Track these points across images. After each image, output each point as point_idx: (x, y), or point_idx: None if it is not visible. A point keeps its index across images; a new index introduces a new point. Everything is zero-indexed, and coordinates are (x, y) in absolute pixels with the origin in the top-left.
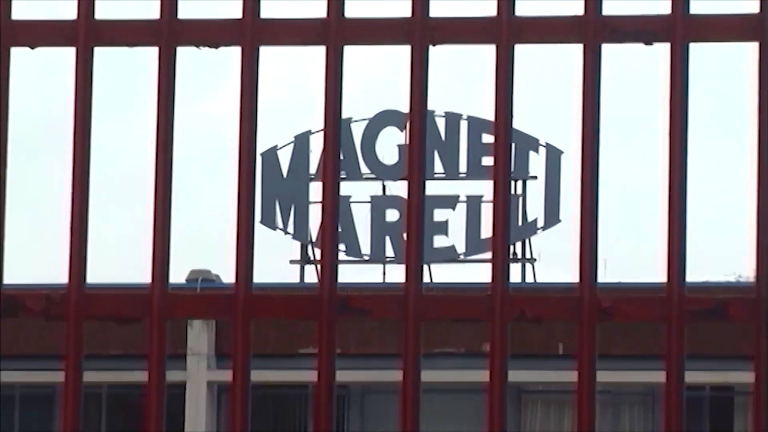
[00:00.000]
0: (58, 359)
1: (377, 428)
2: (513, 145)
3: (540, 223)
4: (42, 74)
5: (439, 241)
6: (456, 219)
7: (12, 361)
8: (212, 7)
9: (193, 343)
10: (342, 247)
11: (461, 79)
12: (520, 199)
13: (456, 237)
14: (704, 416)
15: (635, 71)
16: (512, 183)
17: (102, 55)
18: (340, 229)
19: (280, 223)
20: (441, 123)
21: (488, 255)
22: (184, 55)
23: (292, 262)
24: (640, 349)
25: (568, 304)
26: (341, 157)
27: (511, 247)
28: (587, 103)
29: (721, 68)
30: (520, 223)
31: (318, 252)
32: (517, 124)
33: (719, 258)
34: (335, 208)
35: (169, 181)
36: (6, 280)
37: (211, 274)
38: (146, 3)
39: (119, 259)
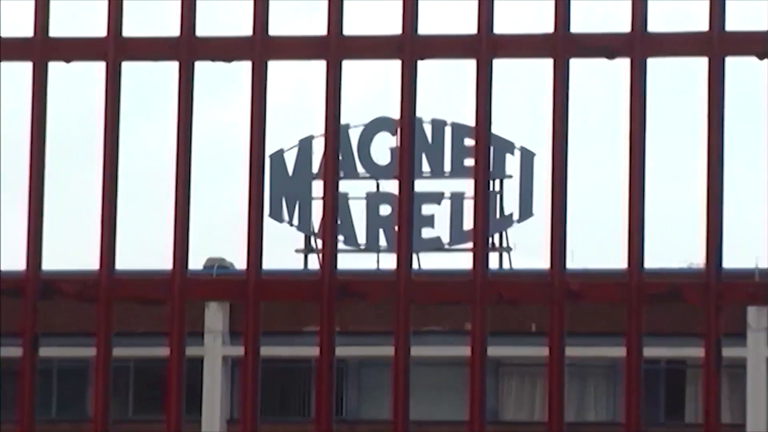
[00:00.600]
0: (90, 337)
1: (372, 397)
2: (491, 147)
3: (515, 217)
4: (76, 85)
5: (426, 233)
6: (441, 213)
7: (50, 338)
8: (226, 25)
9: (210, 322)
10: (341, 237)
11: (446, 90)
12: (498, 196)
13: (441, 229)
14: (660, 387)
15: (600, 83)
16: (491, 181)
17: (128, 68)
18: (338, 222)
19: (286, 216)
20: (428, 128)
21: (469, 245)
22: (202, 68)
23: (296, 251)
24: (604, 328)
25: (540, 288)
26: (340, 159)
27: (490, 238)
28: (557, 111)
29: (675, 80)
30: (497, 216)
31: (319, 242)
32: (495, 129)
33: (674, 248)
34: (335, 203)
35: (187, 179)
36: (44, 267)
37: (226, 262)
38: (168, 21)
39: (144, 248)
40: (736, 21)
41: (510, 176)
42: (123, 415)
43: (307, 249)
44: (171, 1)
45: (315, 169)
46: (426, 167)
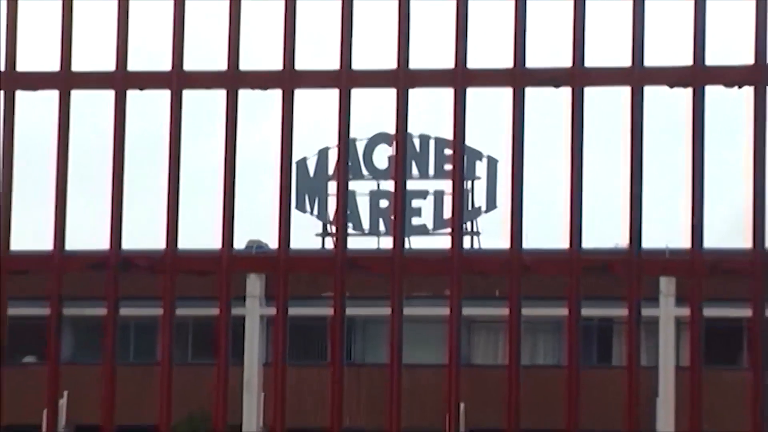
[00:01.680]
0: (158, 300)
1: (374, 346)
2: (464, 156)
3: (483, 209)
4: (148, 105)
5: (415, 221)
6: (426, 206)
7: (128, 301)
8: (261, 60)
9: (250, 289)
10: (349, 224)
11: (430, 111)
12: (470, 193)
13: (426, 218)
14: (593, 338)
15: (547, 105)
16: (464, 182)
17: (189, 95)
18: (348, 213)
19: (308, 208)
20: (417, 141)
21: (448, 230)
22: (244, 94)
23: (316, 234)
24: (551, 293)
25: (502, 263)
26: (349, 164)
27: (464, 225)
28: (515, 127)
29: (604, 104)
30: (469, 208)
31: (333, 228)
32: (468, 142)
33: (604, 232)
34: (345, 198)
35: (233, 180)
36: (123, 246)
37: (262, 242)
38: (217, 57)
39: (200, 232)
40: (654, 57)
41: (479, 177)
42: (183, 359)
43: (324, 233)
44: (219, 41)
45: (330, 172)
46: (415, 171)
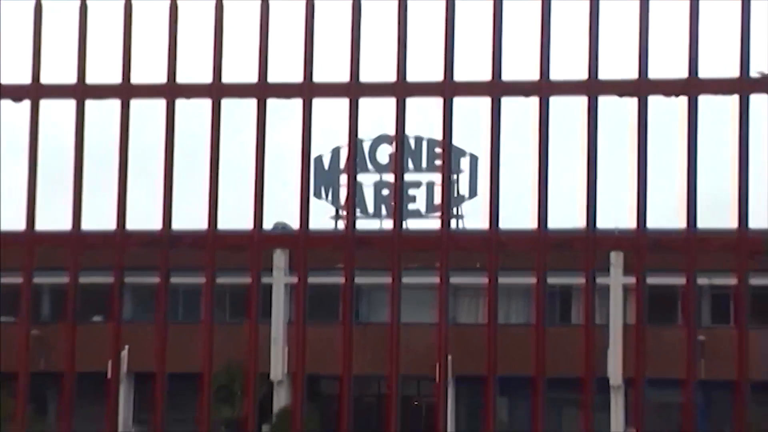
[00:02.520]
0: (201, 271)
1: (377, 308)
2: (451, 153)
3: (466, 197)
4: (191, 116)
5: (411, 206)
6: (420, 194)
7: (176, 272)
8: (285, 73)
9: (276, 262)
10: (357, 209)
11: (423, 116)
12: (455, 184)
13: (420, 204)
14: (556, 302)
15: (518, 111)
16: (451, 175)
17: (225, 103)
18: (356, 200)
19: (323, 196)
20: (412, 141)
21: (438, 214)
22: (271, 102)
23: (330, 217)
24: (523, 265)
25: (482, 241)
26: (356, 160)
27: (450, 210)
28: (493, 130)
29: (565, 110)
30: (455, 196)
31: (344, 212)
32: (454, 142)
33: (566, 214)
34: (353, 188)
35: (262, 173)
36: (173, 227)
37: (286, 224)
38: (244, 71)
39: (236, 215)
40: (606, 71)
41: (462, 171)
42: (222, 319)
43: (336, 216)
44: (249, 58)
45: (341, 167)
46: (411, 166)
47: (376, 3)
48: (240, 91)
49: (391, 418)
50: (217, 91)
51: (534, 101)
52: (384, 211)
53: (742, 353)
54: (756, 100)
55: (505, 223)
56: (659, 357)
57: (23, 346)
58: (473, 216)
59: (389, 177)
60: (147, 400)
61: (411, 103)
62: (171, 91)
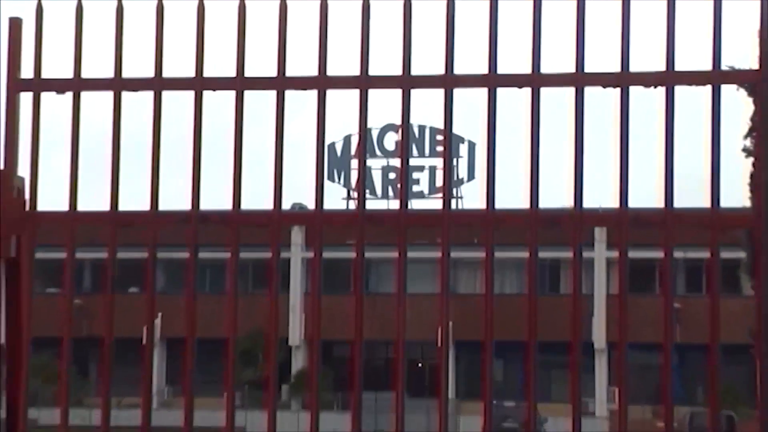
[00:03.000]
0: (226, 246)
1: (385, 280)
2: (451, 140)
3: (465, 179)
4: (215, 108)
5: (415, 188)
6: (423, 177)
7: (204, 247)
8: (302, 68)
9: (294, 238)
10: (367, 191)
11: (426, 106)
12: (455, 167)
13: (423, 186)
14: (546, 274)
15: (515, 102)
16: (451, 159)
17: (248, 95)
18: (365, 182)
19: (336, 179)
20: (416, 129)
21: (439, 195)
22: (289, 94)
23: (342, 198)
24: (516, 241)
25: (479, 218)
26: (366, 147)
27: (451, 191)
28: (490, 118)
29: (555, 100)
30: (455, 179)
31: (355, 193)
32: (454, 130)
33: (555, 196)
34: (363, 171)
35: (281, 158)
36: (201, 207)
37: (303, 204)
38: (265, 66)
39: (258, 196)
40: (592, 65)
41: (461, 156)
42: (245, 290)
43: (348, 197)
44: (269, 54)
45: (352, 152)
46: (415, 152)
47: (384, 4)
48: (261, 84)
49: (397, 379)
50: (240, 84)
51: (526, 92)
52: (391, 193)
53: (714, 319)
54: (727, 90)
55: (500, 203)
56: (639, 323)
57: (67, 314)
58: (471, 197)
59: (395, 162)
60: (178, 363)
61: (415, 94)
62: (199, 84)
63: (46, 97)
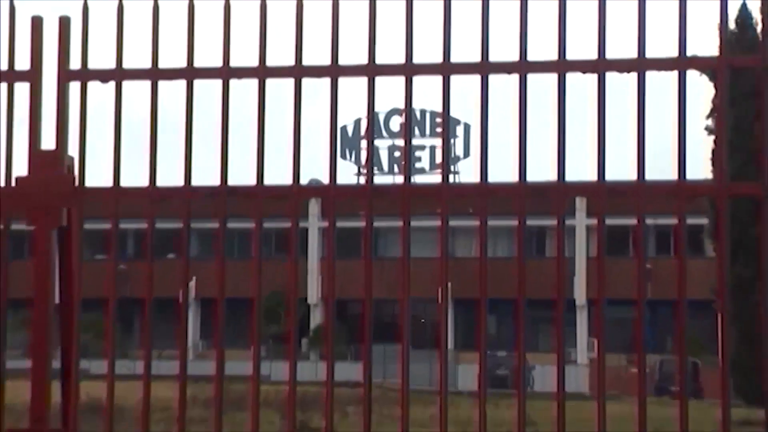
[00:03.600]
0: (251, 218)
1: (391, 245)
2: (449, 122)
3: (461, 156)
4: (240, 94)
5: (417, 165)
6: (425, 155)
7: (232, 217)
8: (315, 57)
9: (311, 209)
10: (375, 167)
11: (427, 91)
12: (452, 146)
13: (425, 162)
14: (533, 240)
15: (503, 86)
16: (449, 139)
17: (270, 83)
18: (373, 159)
19: (348, 157)
20: (418, 113)
21: (439, 170)
22: (306, 81)
23: (354, 174)
24: (506, 210)
25: (474, 190)
26: (373, 129)
27: (448, 167)
28: (483, 102)
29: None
30: (452, 156)
31: (364, 170)
32: (452, 113)
33: (541, 168)
34: (372, 150)
35: (299, 138)
36: (229, 182)
37: (319, 179)
38: (284, 56)
39: (280, 172)
40: (573, 52)
41: (458, 136)
42: (268, 255)
43: (358, 173)
44: (286, 45)
45: (362, 134)
46: (417, 132)
47: (390, 6)
48: (281, 72)
49: (403, 333)
50: (262, 72)
51: (515, 78)
52: (396, 169)
53: (681, 278)
54: (691, 75)
55: (492, 177)
56: (615, 282)
57: (112, 278)
58: (467, 172)
59: (400, 142)
60: (210, 320)
61: (417, 81)
62: (226, 73)
63: (92, 85)
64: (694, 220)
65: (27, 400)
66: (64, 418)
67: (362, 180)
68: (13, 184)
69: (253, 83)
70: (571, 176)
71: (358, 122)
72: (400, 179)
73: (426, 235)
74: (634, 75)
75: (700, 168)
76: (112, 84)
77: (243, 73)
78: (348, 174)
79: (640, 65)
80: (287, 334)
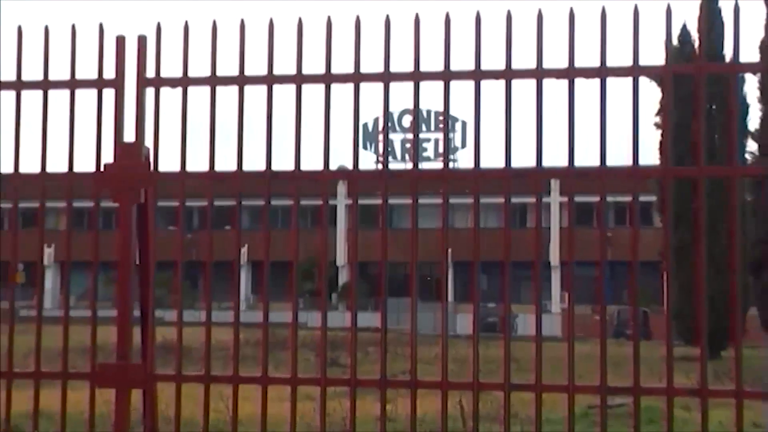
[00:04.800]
0: (290, 196)
1: (402, 218)
2: (449, 120)
3: (459, 147)
4: (283, 98)
5: (424, 154)
6: (430, 146)
7: (275, 196)
8: (341, 66)
9: (339, 189)
10: (390, 156)
11: (431, 94)
12: (452, 139)
13: (430, 152)
14: (516, 214)
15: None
16: (449, 133)
17: (306, 89)
18: (388, 150)
19: (368, 148)
20: (425, 112)
21: (441, 159)
22: (335, 87)
23: (373, 162)
24: (495, 191)
25: (470, 174)
26: (388, 125)
27: (449, 156)
28: (476, 103)
29: (523, 89)
30: (452, 147)
31: (382, 158)
32: (451, 112)
33: (523, 157)
34: (387, 143)
35: (328, 133)
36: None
37: (345, 166)
38: (315, 66)
39: (313, 159)
40: (551, 62)
41: (456, 131)
42: (304, 226)
43: (377, 161)
44: (316, 56)
45: (379, 129)
46: (423, 128)
47: (400, 22)
48: (314, 79)
49: (412, 288)
50: (299, 79)
51: (501, 83)
52: (407, 157)
53: (634, 243)
54: (643, 81)
55: (483, 163)
56: (582, 246)
57: (180, 245)
58: (464, 159)
59: (410, 135)
60: (259, 279)
61: (423, 86)
62: (270, 80)
63: (164, 90)
64: (645, 198)
65: (114, 341)
66: (143, 355)
67: (380, 166)
68: (102, 169)
69: (291, 88)
70: (547, 162)
71: (376, 120)
72: (410, 165)
73: (431, 210)
74: (597, 81)
75: (650, 155)
76: (179, 89)
77: (284, 79)
78: (368, 161)
79: (602, 72)
80: (320, 290)
